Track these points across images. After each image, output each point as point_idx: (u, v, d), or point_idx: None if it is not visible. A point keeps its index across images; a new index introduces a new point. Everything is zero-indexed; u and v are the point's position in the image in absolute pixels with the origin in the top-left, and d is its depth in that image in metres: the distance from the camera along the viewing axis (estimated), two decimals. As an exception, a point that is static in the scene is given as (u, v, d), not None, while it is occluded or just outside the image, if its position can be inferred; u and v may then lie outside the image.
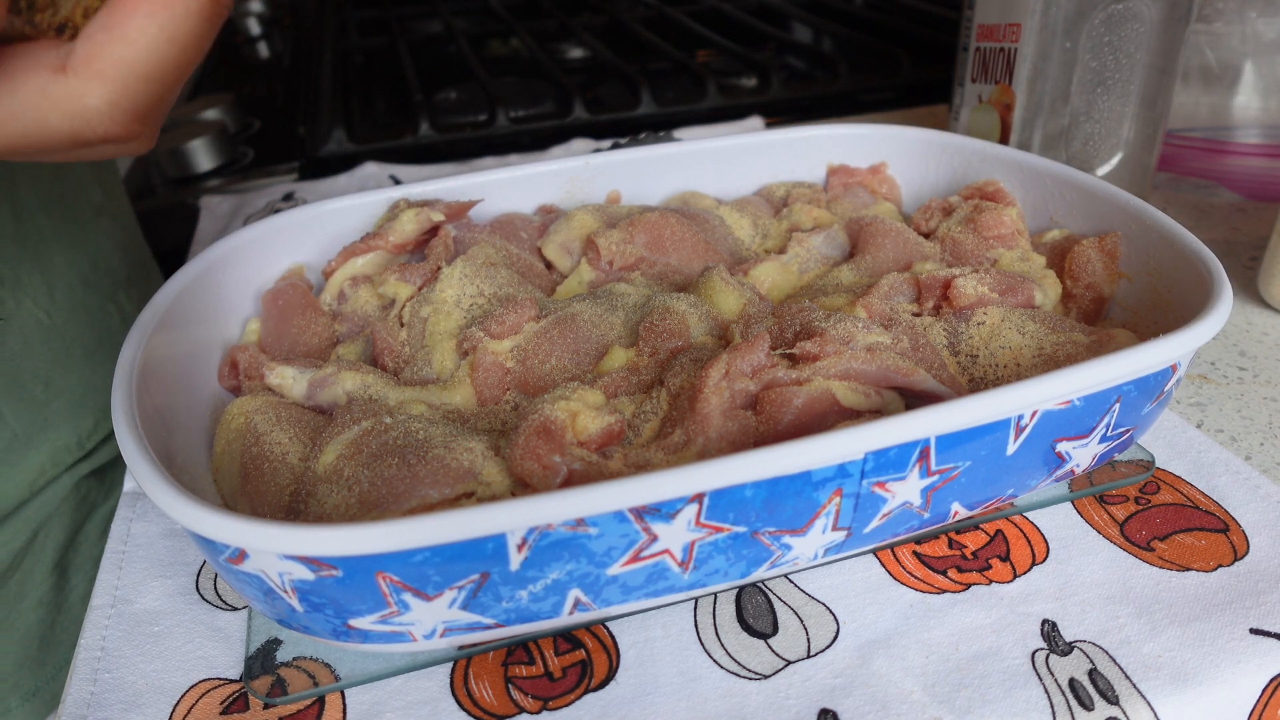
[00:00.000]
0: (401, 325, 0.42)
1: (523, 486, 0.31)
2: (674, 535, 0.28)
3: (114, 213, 0.56)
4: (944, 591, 0.35)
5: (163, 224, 0.71)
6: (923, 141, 0.52)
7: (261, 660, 0.33)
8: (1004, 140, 0.59)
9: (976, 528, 0.38)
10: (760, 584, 0.36)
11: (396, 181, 0.73)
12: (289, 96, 1.00)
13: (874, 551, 0.37)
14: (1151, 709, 0.30)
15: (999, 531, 0.37)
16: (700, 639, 0.33)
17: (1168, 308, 0.38)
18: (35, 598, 0.49)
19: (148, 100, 0.24)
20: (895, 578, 0.35)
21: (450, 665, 0.33)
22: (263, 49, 1.19)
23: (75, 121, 0.23)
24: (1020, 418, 0.30)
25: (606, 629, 0.34)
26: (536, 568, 0.27)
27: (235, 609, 0.36)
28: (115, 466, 0.54)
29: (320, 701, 0.32)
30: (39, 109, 0.22)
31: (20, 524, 0.48)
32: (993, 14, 0.57)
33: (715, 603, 0.35)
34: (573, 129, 0.83)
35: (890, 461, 0.29)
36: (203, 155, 0.79)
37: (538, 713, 0.31)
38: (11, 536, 0.48)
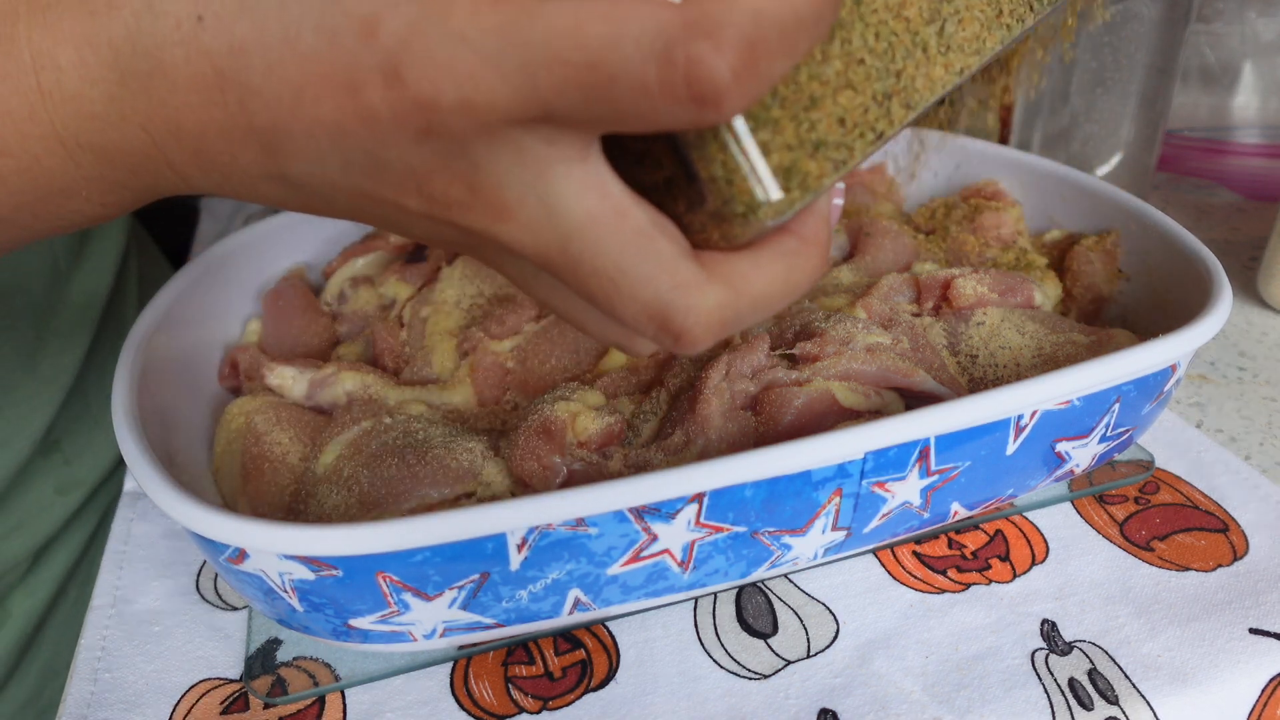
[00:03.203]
0: (401, 325, 0.42)
1: (523, 486, 0.31)
2: (674, 535, 0.28)
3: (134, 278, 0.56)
4: (944, 591, 0.35)
5: (163, 224, 0.71)
6: (922, 141, 0.52)
7: (262, 660, 0.33)
8: (1004, 140, 0.59)
9: (976, 528, 0.38)
10: (760, 584, 0.36)
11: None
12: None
13: (874, 551, 0.37)
14: (1151, 709, 0.30)
15: (999, 531, 0.37)
16: (700, 639, 0.33)
17: (1168, 308, 0.38)
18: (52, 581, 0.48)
19: (733, 327, 0.22)
20: (895, 578, 0.35)
21: (450, 665, 0.33)
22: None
23: (674, 312, 0.20)
24: (1020, 418, 0.30)
25: (606, 629, 0.34)
26: (536, 568, 0.27)
27: (235, 609, 0.36)
28: (105, 524, 0.52)
29: (320, 701, 0.32)
30: (652, 283, 0.20)
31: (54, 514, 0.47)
32: (993, 14, 0.57)
33: (715, 603, 0.35)
34: (573, 129, 0.83)
35: (890, 461, 0.29)
36: (203, 155, 0.79)
37: (538, 713, 0.31)
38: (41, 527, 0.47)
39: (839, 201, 0.25)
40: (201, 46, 0.19)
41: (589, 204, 0.19)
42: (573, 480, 0.31)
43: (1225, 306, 0.32)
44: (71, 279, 0.48)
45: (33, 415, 0.45)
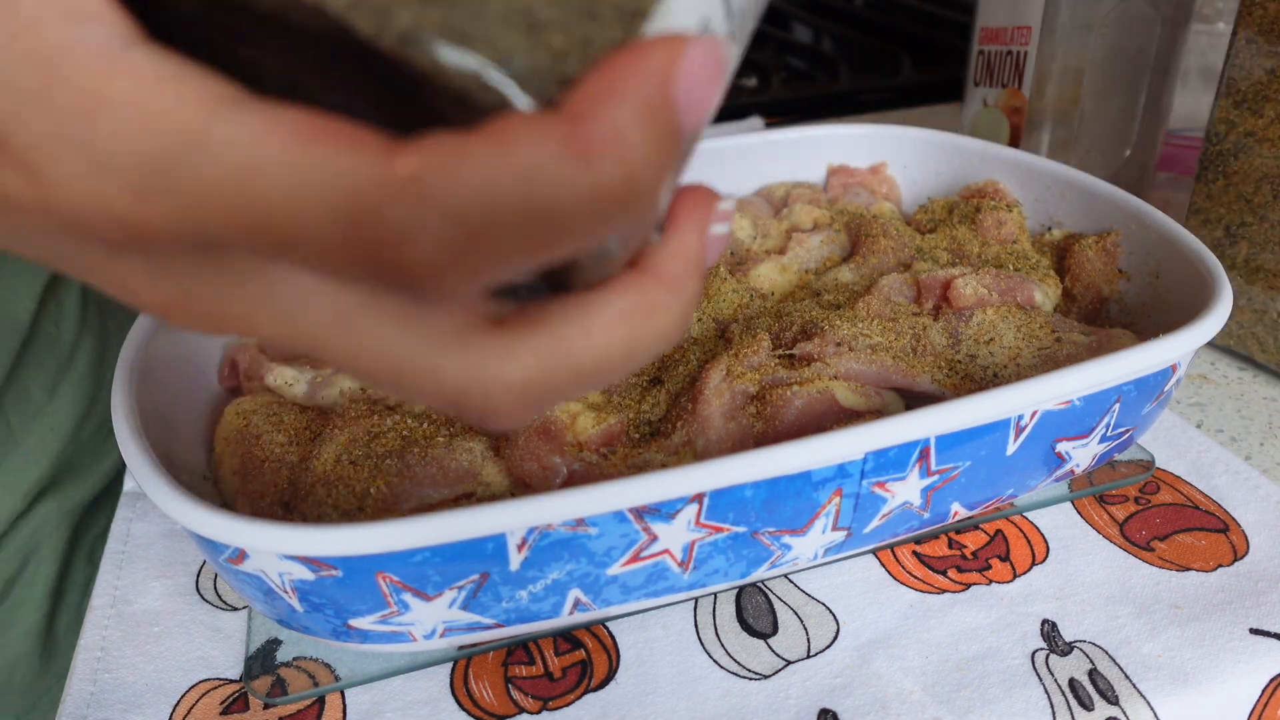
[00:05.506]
0: (401, 325, 0.42)
1: (522, 487, 0.31)
2: (674, 535, 0.28)
3: None
4: (944, 591, 0.35)
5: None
6: (923, 142, 0.52)
7: (261, 660, 0.33)
8: (1013, 144, 0.59)
9: (976, 528, 0.38)
10: (760, 584, 0.36)
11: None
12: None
13: (874, 551, 0.37)
14: (1151, 709, 0.30)
15: (999, 531, 0.37)
16: (700, 639, 0.33)
17: (1168, 308, 0.38)
18: (24, 627, 0.48)
19: (550, 399, 0.17)
20: (895, 578, 0.35)
21: (450, 665, 0.33)
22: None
23: (466, 385, 0.17)
24: (1020, 418, 0.30)
25: (606, 629, 0.34)
26: (536, 568, 0.27)
27: (235, 609, 0.36)
28: (110, 493, 0.52)
29: (320, 701, 0.32)
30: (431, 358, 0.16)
31: (11, 550, 0.47)
32: (999, 17, 0.57)
33: (715, 603, 0.35)
34: (573, 129, 0.83)
35: (890, 461, 0.29)
36: (203, 155, 0.79)
37: (538, 713, 0.31)
38: (3, 563, 0.47)
39: (722, 229, 0.19)
40: None
41: (328, 310, 0.16)
42: (573, 480, 0.31)
43: (1225, 306, 0.32)
44: None
45: None
